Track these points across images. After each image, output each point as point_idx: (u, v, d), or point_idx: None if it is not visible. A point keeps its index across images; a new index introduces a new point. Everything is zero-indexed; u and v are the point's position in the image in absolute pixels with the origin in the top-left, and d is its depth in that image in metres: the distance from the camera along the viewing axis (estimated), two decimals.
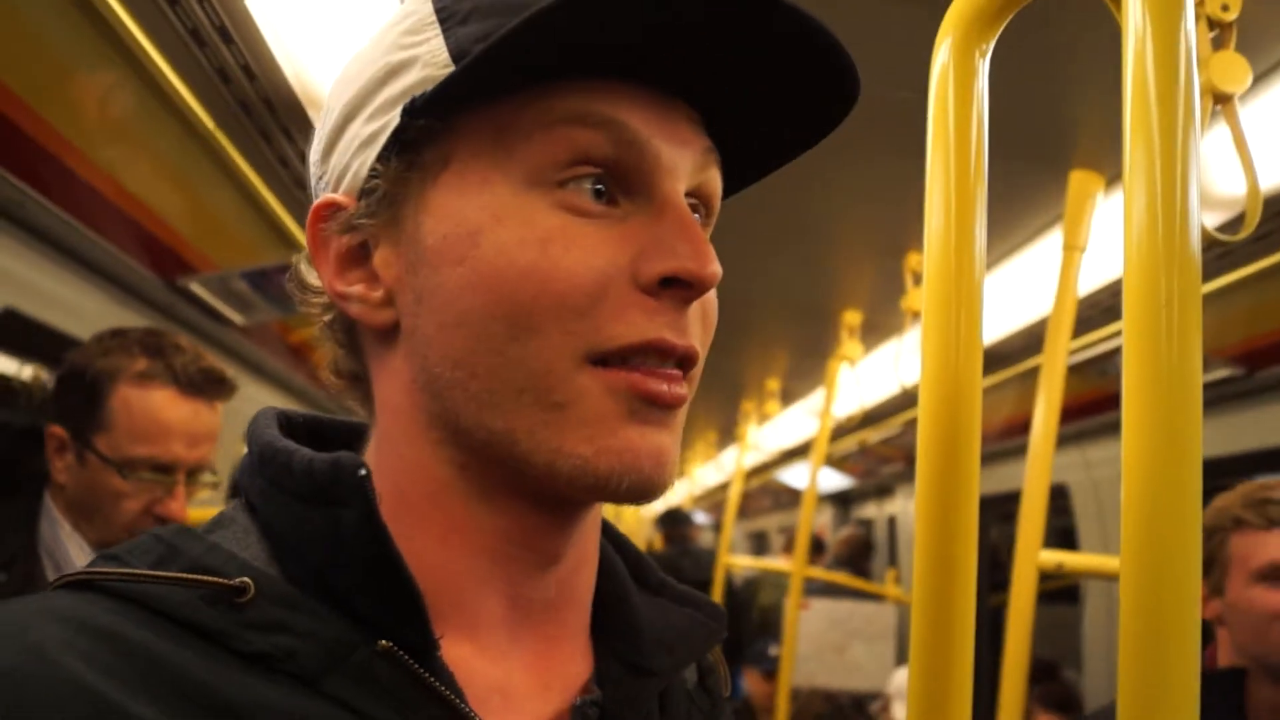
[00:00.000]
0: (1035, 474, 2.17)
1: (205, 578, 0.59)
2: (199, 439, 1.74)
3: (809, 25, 0.62)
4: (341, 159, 0.68)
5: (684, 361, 0.64)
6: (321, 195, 0.69)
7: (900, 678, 4.61)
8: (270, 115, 2.07)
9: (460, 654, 0.64)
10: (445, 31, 0.65)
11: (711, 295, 0.67)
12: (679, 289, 0.62)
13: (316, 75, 1.91)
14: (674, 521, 6.16)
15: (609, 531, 0.81)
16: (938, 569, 0.76)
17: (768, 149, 0.74)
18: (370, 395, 0.71)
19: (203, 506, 1.94)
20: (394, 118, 0.65)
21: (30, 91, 1.83)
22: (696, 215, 0.69)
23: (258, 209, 2.57)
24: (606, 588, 0.76)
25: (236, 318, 3.16)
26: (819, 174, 2.42)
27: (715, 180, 0.70)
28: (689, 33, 0.61)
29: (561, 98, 0.62)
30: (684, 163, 0.66)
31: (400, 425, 0.67)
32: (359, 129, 0.67)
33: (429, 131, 0.64)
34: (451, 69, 0.63)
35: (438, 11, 0.66)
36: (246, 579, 0.59)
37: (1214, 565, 1.82)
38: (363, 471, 0.60)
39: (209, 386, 1.76)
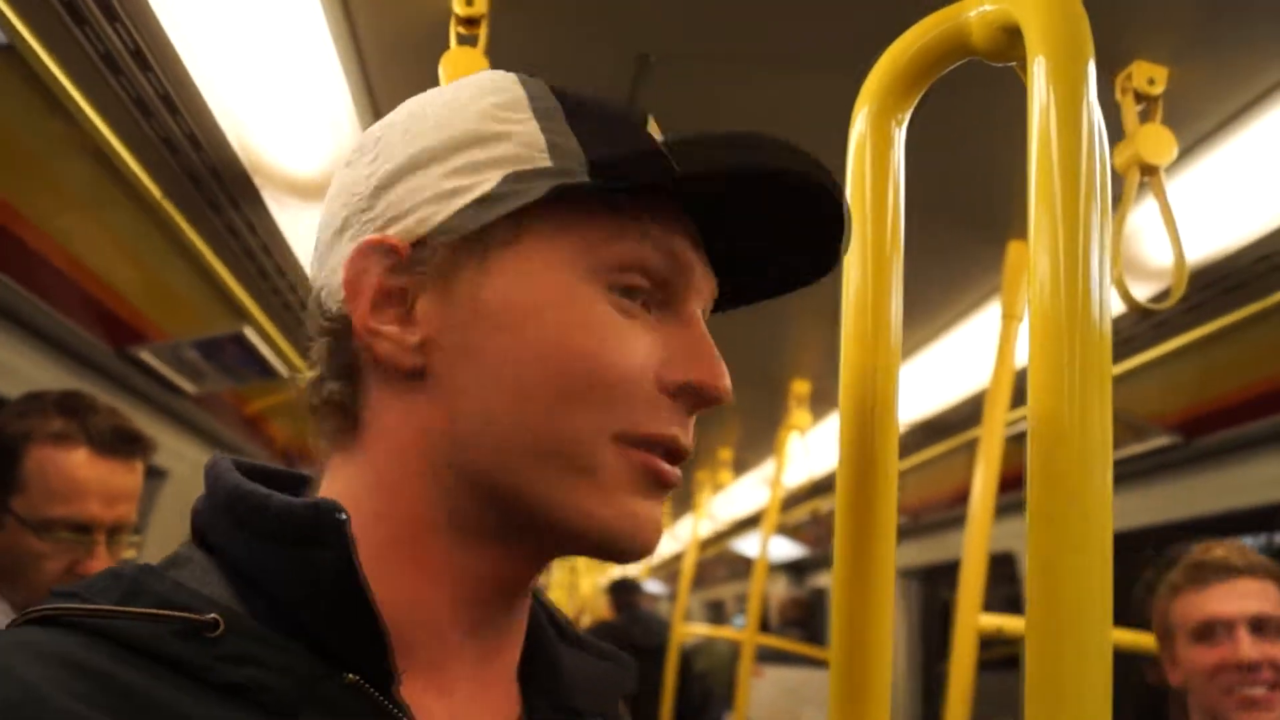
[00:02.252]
0: (974, 540, 2.20)
1: (176, 613, 0.61)
2: (116, 498, 1.73)
3: (836, 202, 0.72)
4: (403, 203, 0.70)
5: (680, 460, 0.71)
6: (368, 232, 0.71)
7: None
8: (217, 185, 2.09)
9: (414, 688, 0.67)
10: (539, 119, 0.71)
11: None
12: (692, 396, 0.70)
13: (262, 145, 1.93)
14: (623, 590, 6.16)
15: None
16: (856, 638, 0.78)
17: (757, 285, 0.84)
18: (355, 428, 0.73)
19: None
20: (484, 181, 0.69)
21: None
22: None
23: (207, 278, 2.57)
24: (532, 635, 0.80)
25: (188, 386, 3.13)
26: None
27: (709, 309, 0.78)
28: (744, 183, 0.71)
29: (635, 213, 0.70)
30: (707, 287, 0.75)
31: (400, 464, 0.70)
32: (433, 181, 0.70)
33: (512, 203, 0.69)
34: (546, 155, 0.69)
35: (530, 98, 0.72)
36: (215, 615, 0.61)
37: (1167, 635, 1.89)
38: (342, 515, 0.64)
39: (124, 445, 1.76)
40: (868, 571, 0.78)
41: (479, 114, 0.71)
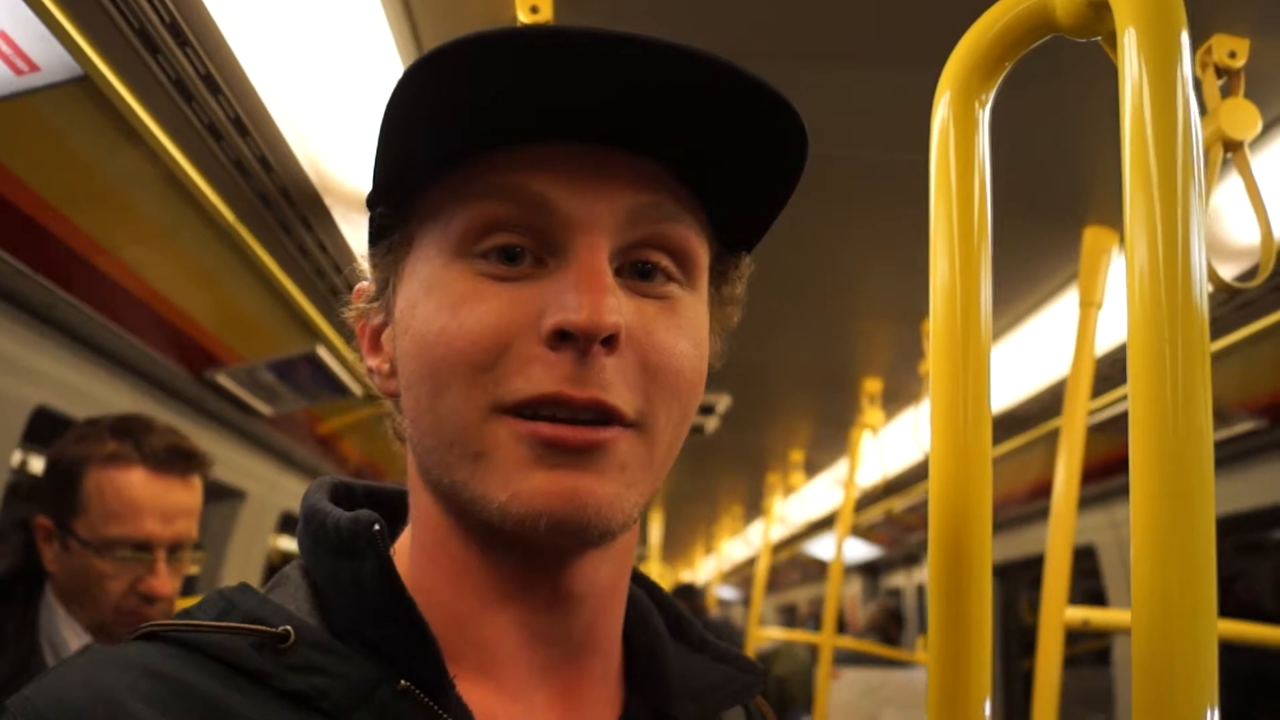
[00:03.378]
0: (1058, 532, 2.16)
1: (253, 626, 0.65)
2: (173, 515, 1.77)
3: (726, 70, 0.64)
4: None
5: (599, 413, 0.65)
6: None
7: None
8: (289, 206, 2.11)
9: (480, 693, 0.68)
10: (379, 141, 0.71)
11: (661, 350, 0.68)
12: (571, 341, 0.64)
13: (332, 165, 1.95)
14: (686, 595, 6.16)
15: (650, 588, 0.86)
16: (952, 634, 0.75)
17: (752, 206, 0.76)
18: None
19: None
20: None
21: (56, 194, 1.88)
22: (655, 267, 0.70)
23: (280, 299, 2.60)
24: (640, 638, 0.80)
25: (264, 409, 3.18)
26: (834, 242, 2.44)
27: (675, 231, 0.70)
28: (629, 92, 0.64)
29: (479, 174, 0.68)
30: (603, 218, 0.67)
31: (413, 481, 0.74)
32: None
33: (390, 220, 0.73)
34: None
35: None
36: (289, 627, 0.65)
37: None
38: (376, 526, 0.67)
39: (178, 463, 1.80)
40: (964, 567, 0.76)
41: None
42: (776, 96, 0.66)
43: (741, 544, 9.30)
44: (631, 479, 0.67)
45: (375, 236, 0.74)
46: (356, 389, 3.03)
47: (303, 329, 2.79)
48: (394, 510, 0.78)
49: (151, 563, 1.73)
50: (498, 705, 0.69)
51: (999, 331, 3.03)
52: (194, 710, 0.61)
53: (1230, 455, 3.21)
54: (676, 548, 11.13)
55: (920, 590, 7.12)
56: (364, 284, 0.76)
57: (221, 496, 3.61)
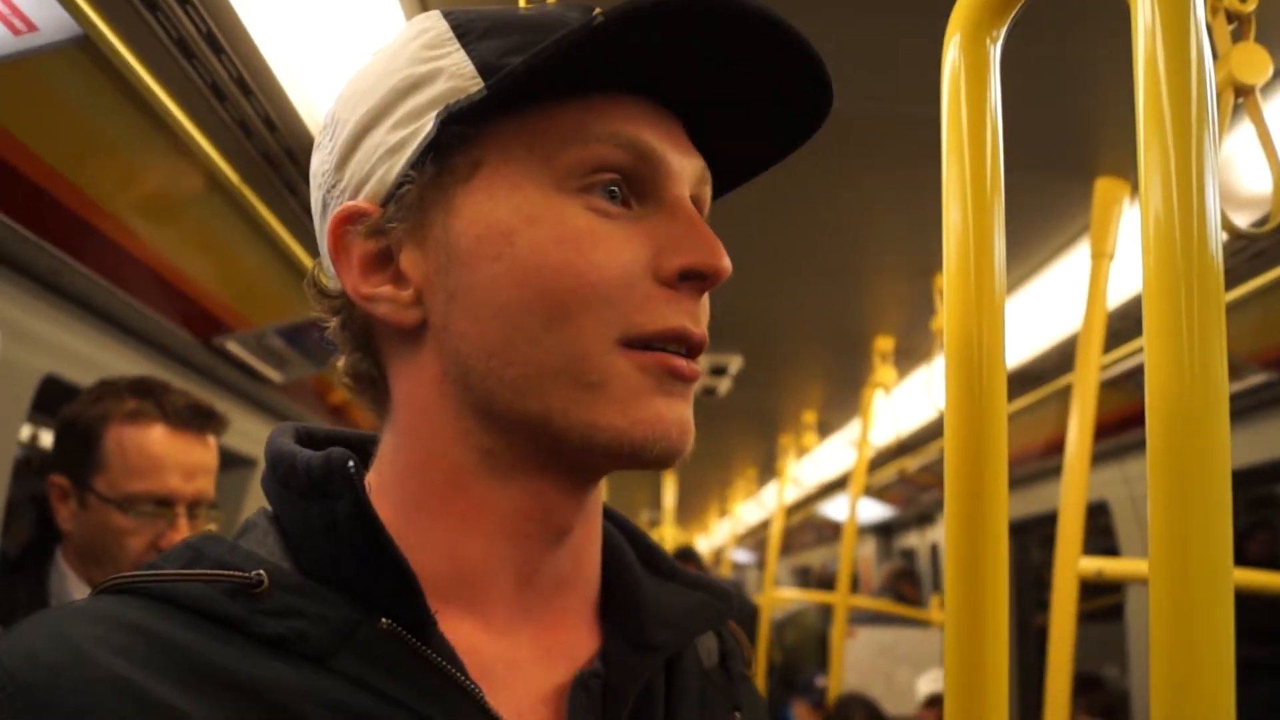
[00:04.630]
0: (1072, 484, 2.16)
1: (225, 573, 0.65)
2: (194, 472, 1.79)
3: (791, 36, 0.70)
4: (362, 167, 0.72)
5: (698, 349, 0.71)
6: (340, 203, 0.73)
7: (924, 682, 4.64)
8: (294, 166, 2.10)
9: (464, 630, 0.69)
10: (466, 46, 0.71)
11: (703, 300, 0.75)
12: (695, 281, 0.70)
13: None
14: (684, 558, 6.20)
15: (618, 521, 0.87)
16: (969, 590, 0.75)
17: (751, 161, 0.83)
18: (387, 394, 0.76)
19: None
20: (424, 125, 0.70)
21: (58, 158, 1.86)
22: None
23: (287, 263, 2.59)
24: (613, 569, 0.81)
25: (274, 375, 3.17)
26: (843, 197, 2.43)
27: (708, 192, 0.78)
28: (685, 55, 0.70)
29: (593, 114, 0.70)
30: (688, 171, 0.74)
31: (425, 418, 0.72)
32: (382, 138, 0.71)
33: (461, 138, 0.70)
34: (479, 81, 0.70)
35: (454, 28, 0.72)
36: (261, 572, 0.65)
37: None
38: (351, 464, 0.67)
39: (197, 420, 1.82)
40: (980, 525, 0.76)
41: (409, 59, 0.73)
42: (814, 58, 0.72)
43: (756, 506, 9.32)
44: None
45: (428, 156, 0.70)
46: None
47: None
48: (359, 454, 0.75)
49: (173, 518, 1.74)
50: (482, 642, 0.70)
51: (1010, 286, 3.02)
52: (169, 661, 0.60)
53: (1242, 409, 3.18)
54: (690, 511, 11.15)
55: (934, 550, 7.12)
56: (359, 203, 0.72)
57: (233, 465, 3.60)
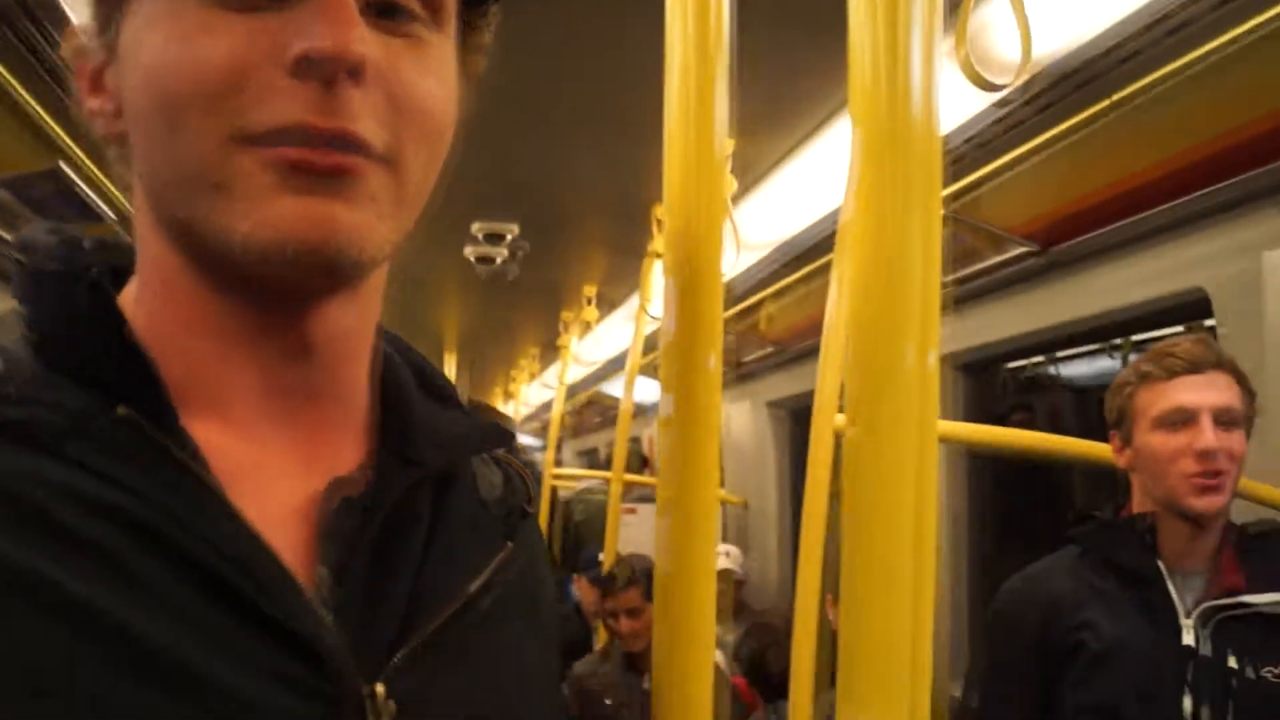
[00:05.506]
0: (829, 348, 2.18)
1: None
2: None
3: None
4: None
5: (346, 143, 0.64)
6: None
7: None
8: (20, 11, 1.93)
9: (209, 430, 0.67)
10: None
11: (409, 86, 0.67)
12: (317, 69, 0.62)
13: None
14: None
15: (401, 347, 0.85)
16: (684, 469, 0.82)
17: None
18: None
19: None
20: None
21: None
22: (402, 7, 0.69)
23: (9, 107, 2.37)
24: (386, 389, 0.80)
25: (3, 233, 2.92)
26: (622, 62, 2.35)
27: None
28: None
29: None
30: None
31: (142, 225, 0.71)
32: None
33: None
34: None
35: None
36: None
37: (1123, 418, 2.02)
38: (87, 245, 0.68)
39: None
40: (693, 397, 0.80)
41: None
42: None
43: (540, 388, 9.32)
44: (382, 211, 0.66)
45: None
46: (109, 211, 2.82)
47: (41, 142, 2.55)
48: (122, 258, 0.74)
49: None
50: (229, 444, 0.68)
51: (781, 157, 3.03)
52: None
53: (1007, 280, 3.29)
54: (475, 394, 11.09)
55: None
56: (81, 21, 0.71)
57: None
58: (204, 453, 0.65)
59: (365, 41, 0.63)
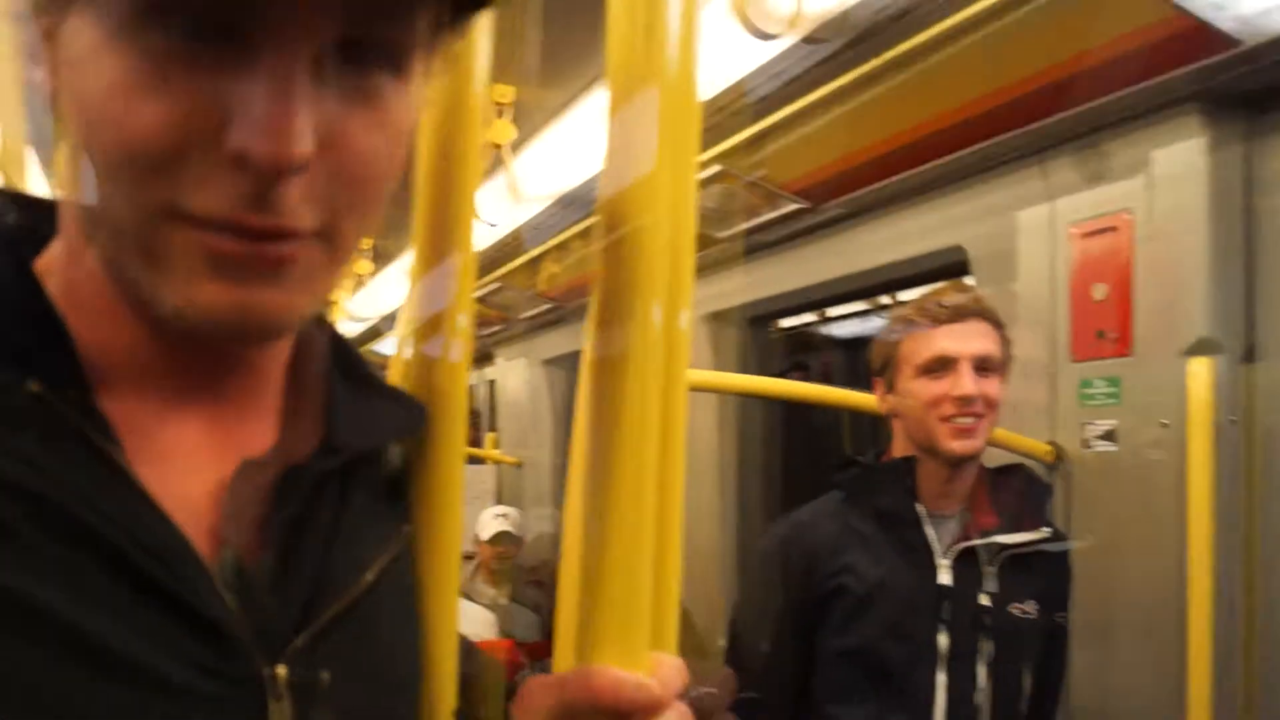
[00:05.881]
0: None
1: None
2: None
3: None
4: None
5: (279, 235, 0.60)
6: None
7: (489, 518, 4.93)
8: None
9: (125, 406, 0.65)
10: None
11: (355, 153, 0.62)
12: (255, 167, 0.57)
13: None
14: None
15: (323, 325, 0.83)
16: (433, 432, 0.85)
17: None
18: None
19: None
20: None
21: None
22: (363, 53, 0.61)
23: None
24: (305, 370, 0.78)
25: None
26: None
27: (376, 23, 0.61)
28: None
29: None
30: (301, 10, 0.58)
31: (68, 189, 0.67)
32: None
33: None
34: None
35: None
36: None
37: (887, 365, 2.08)
38: (9, 219, 0.65)
39: None
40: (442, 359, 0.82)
41: None
42: None
43: None
44: (314, 284, 0.64)
45: None
46: None
47: None
48: (45, 219, 0.70)
49: None
50: (141, 422, 0.67)
51: (563, 105, 3.00)
52: None
53: (781, 237, 3.36)
54: None
55: (490, 386, 7.21)
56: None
57: None
58: (119, 431, 0.63)
59: (306, 136, 0.57)
